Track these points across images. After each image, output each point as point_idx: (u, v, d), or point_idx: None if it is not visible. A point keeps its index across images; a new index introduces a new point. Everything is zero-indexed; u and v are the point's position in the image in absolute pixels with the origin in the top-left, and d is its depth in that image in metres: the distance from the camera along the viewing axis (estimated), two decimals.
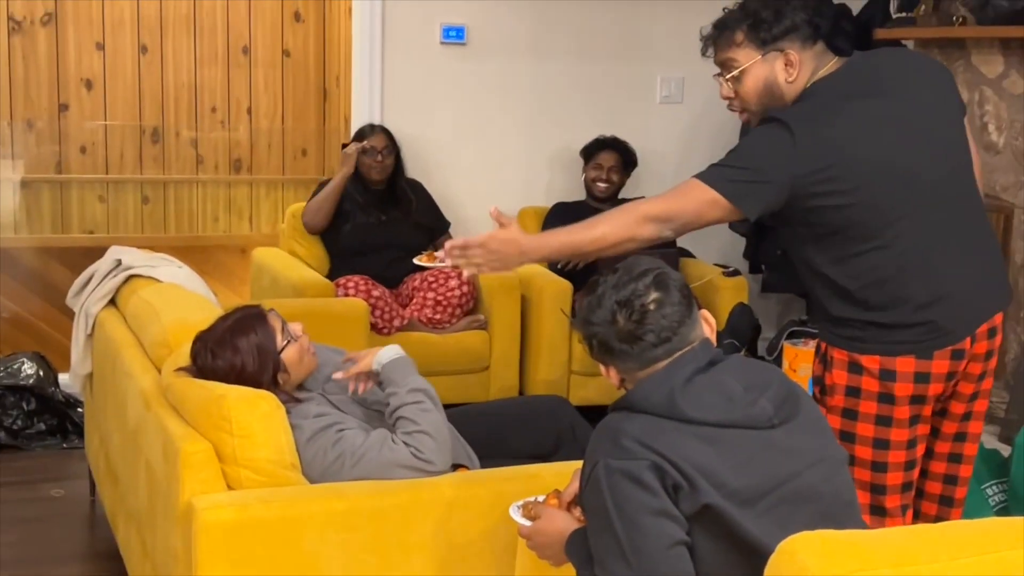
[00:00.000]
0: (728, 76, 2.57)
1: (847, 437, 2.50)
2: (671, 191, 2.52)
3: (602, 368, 2.07)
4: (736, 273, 4.95)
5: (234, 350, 2.63)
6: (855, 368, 2.48)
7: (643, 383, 1.98)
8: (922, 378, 2.46)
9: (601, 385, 4.54)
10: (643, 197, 5.09)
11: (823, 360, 2.57)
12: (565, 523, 2.12)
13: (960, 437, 2.62)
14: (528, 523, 2.17)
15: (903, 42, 4.92)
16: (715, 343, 2.07)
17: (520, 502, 2.24)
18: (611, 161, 4.99)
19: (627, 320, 1.97)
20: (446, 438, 2.62)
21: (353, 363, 2.73)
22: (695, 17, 5.38)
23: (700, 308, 2.06)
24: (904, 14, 4.76)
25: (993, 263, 2.61)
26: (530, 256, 2.50)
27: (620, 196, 5.08)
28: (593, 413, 3.48)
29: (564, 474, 2.34)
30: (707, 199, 2.42)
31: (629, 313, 1.97)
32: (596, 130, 5.14)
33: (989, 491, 3.57)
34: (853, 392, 2.49)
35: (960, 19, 4.41)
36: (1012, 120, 4.42)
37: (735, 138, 5.35)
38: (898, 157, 2.42)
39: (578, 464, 2.28)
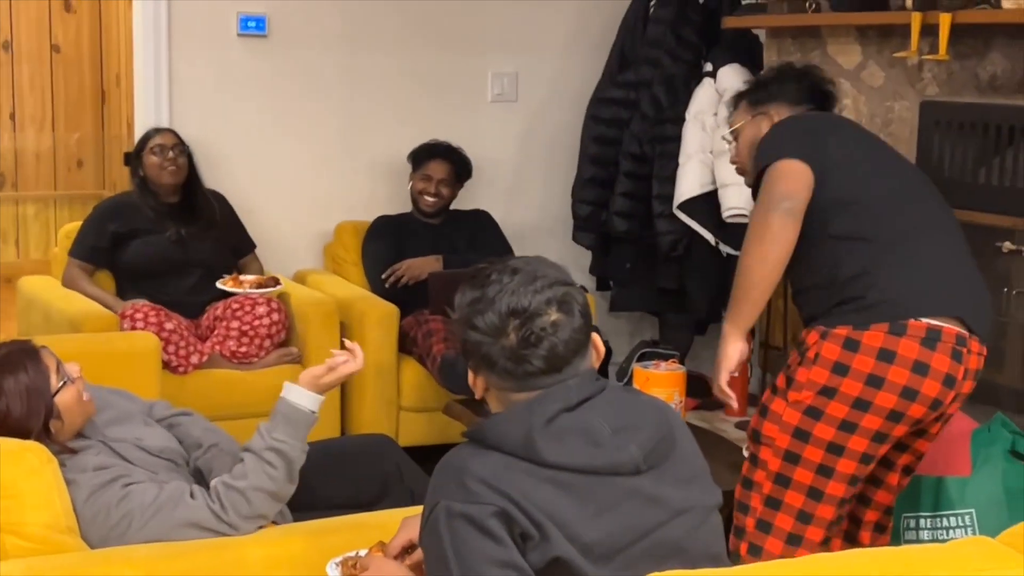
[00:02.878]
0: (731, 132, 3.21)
1: (800, 435, 2.81)
2: (764, 190, 2.89)
3: (471, 375, 2.05)
4: (583, 290, 4.99)
5: None
6: (851, 345, 2.78)
7: (501, 416, 1.98)
8: (920, 369, 2.76)
9: (435, 423, 4.54)
10: (478, 210, 5.18)
11: (802, 354, 2.87)
12: (397, 573, 2.11)
13: (907, 471, 3.08)
14: None
15: (753, 31, 5.06)
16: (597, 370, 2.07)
17: (339, 558, 2.23)
18: (442, 173, 4.98)
19: (518, 336, 1.94)
20: (266, 514, 2.58)
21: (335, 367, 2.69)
22: (530, 5, 5.50)
23: (594, 332, 2.06)
24: (754, 1, 4.88)
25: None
26: None
27: (452, 208, 5.08)
28: (424, 455, 3.48)
29: (391, 524, 2.33)
30: (797, 169, 2.85)
31: (522, 329, 1.94)
32: (420, 133, 5.13)
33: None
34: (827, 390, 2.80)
35: (813, 5, 4.54)
36: (872, 115, 4.56)
37: (575, 141, 5.44)
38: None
39: (408, 511, 2.28)
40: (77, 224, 4.73)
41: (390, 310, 4.63)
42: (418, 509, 2.21)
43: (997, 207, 4.00)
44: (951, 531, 3.41)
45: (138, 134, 4.88)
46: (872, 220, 2.90)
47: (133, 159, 4.68)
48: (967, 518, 3.40)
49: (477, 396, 2.08)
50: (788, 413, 2.86)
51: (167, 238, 4.58)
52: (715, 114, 5.01)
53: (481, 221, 5.14)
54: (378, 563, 2.15)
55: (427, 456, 3.31)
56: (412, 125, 5.20)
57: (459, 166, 5.05)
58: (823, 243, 2.88)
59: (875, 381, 2.77)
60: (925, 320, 2.79)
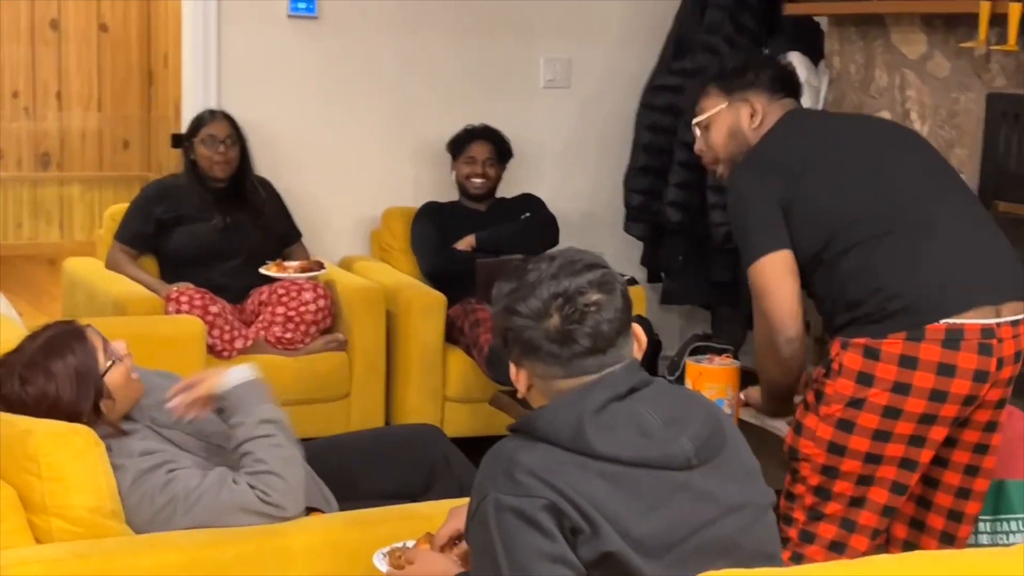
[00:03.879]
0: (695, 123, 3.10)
1: (836, 449, 2.79)
2: (757, 304, 2.89)
3: (513, 369, 2.06)
4: (632, 282, 4.99)
5: (47, 375, 2.59)
6: (871, 354, 2.74)
7: (550, 406, 1.98)
8: (946, 370, 2.71)
9: (481, 414, 4.55)
10: (527, 194, 5.18)
11: (827, 367, 2.82)
12: (443, 567, 2.13)
13: (971, 471, 2.94)
14: (396, 572, 2.17)
15: (814, 18, 5.04)
16: (641, 362, 2.08)
17: (386, 548, 2.24)
18: (485, 153, 5.00)
19: (562, 316, 1.96)
20: (299, 479, 2.60)
21: (190, 387, 2.67)
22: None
23: (635, 323, 2.07)
24: None
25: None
26: None
27: (498, 196, 5.09)
28: (470, 446, 3.48)
29: (438, 514, 2.34)
30: (779, 264, 2.83)
31: (565, 307, 1.95)
32: (471, 119, 5.15)
33: None
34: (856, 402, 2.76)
35: None
36: (936, 107, 4.54)
37: (629, 129, 5.43)
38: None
39: (456, 502, 2.29)
40: (122, 206, 4.78)
41: (437, 298, 4.65)
42: (466, 500, 2.23)
43: None
44: (1012, 535, 3.39)
45: (185, 115, 4.93)
46: (870, 233, 2.82)
47: (185, 142, 4.71)
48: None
49: (520, 393, 2.08)
50: (821, 428, 2.82)
51: (213, 226, 4.62)
52: None
53: (532, 204, 5.14)
54: (424, 556, 2.16)
55: (473, 448, 3.32)
56: (462, 111, 5.21)
57: (499, 145, 5.07)
58: (826, 266, 2.85)
59: (901, 388, 2.73)
60: (944, 321, 2.72)
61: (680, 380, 4.07)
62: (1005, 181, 4.21)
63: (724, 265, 5.22)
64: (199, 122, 4.69)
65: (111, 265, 4.64)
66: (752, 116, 3.02)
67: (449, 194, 5.12)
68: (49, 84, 6.57)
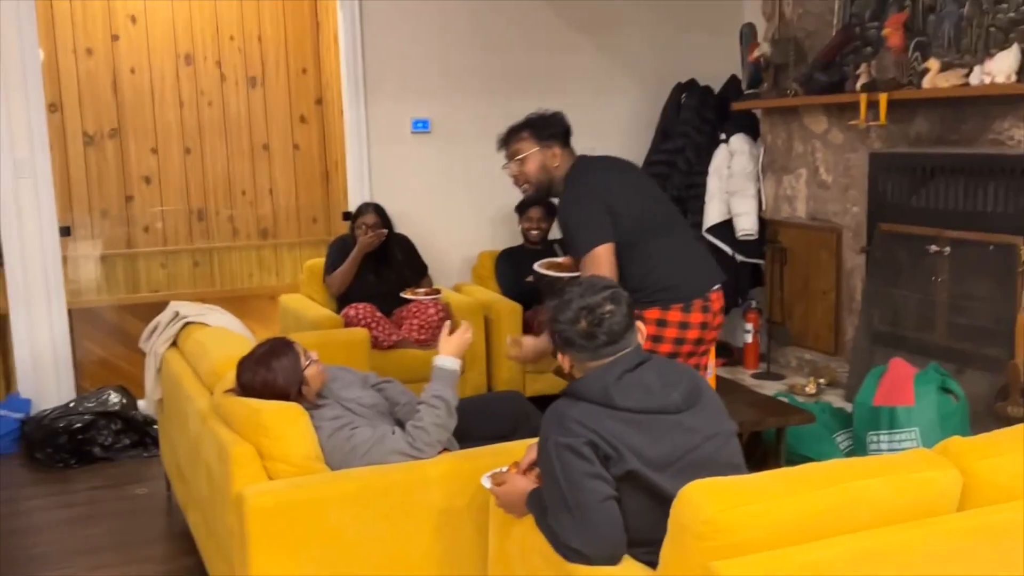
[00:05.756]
0: (515, 160, 3.09)
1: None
2: (588, 268, 2.86)
3: (560, 356, 2.07)
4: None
5: (268, 368, 2.62)
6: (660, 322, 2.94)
7: (585, 378, 1.98)
8: (686, 325, 2.94)
9: (548, 380, 4.55)
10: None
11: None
12: (525, 484, 2.12)
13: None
14: (495, 488, 2.17)
15: (753, 111, 5.00)
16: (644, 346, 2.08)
17: (490, 472, 2.24)
18: (538, 213, 4.99)
19: (588, 322, 1.98)
20: (440, 438, 2.58)
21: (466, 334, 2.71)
22: (600, 101, 5.49)
23: (637, 320, 2.09)
24: (752, 90, 4.82)
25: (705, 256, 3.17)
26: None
27: (549, 239, 5.09)
28: (544, 401, 3.48)
29: (521, 450, 2.35)
30: (608, 252, 2.86)
31: (590, 317, 1.98)
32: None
33: (838, 439, 3.62)
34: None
35: (793, 91, 4.47)
36: (836, 163, 4.48)
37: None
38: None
39: (531, 441, 2.28)
40: (317, 260, 4.78)
41: (516, 307, 4.63)
42: (536, 440, 2.23)
43: (924, 222, 3.91)
44: (903, 443, 3.33)
45: (351, 199, 4.96)
46: (651, 237, 2.95)
47: (351, 219, 4.72)
48: (913, 434, 3.32)
49: (565, 370, 2.09)
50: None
51: (368, 279, 4.61)
52: (728, 167, 4.95)
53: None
54: (512, 477, 2.16)
55: (545, 402, 3.32)
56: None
57: (548, 208, 5.05)
58: (632, 254, 2.91)
59: (674, 327, 2.91)
60: (696, 299, 2.93)
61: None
62: (884, 210, 4.16)
63: None
64: (358, 212, 4.68)
65: (329, 282, 4.64)
66: (554, 157, 3.05)
67: (517, 240, 5.12)
68: (264, 184, 6.66)
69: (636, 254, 2.91)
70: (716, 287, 3.02)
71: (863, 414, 3.44)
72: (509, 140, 3.15)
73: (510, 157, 3.14)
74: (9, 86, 4.38)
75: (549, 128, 3.10)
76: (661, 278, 2.93)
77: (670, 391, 1.96)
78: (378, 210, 4.69)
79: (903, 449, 3.10)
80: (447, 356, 2.67)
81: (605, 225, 2.88)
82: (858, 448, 3.47)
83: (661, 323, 2.94)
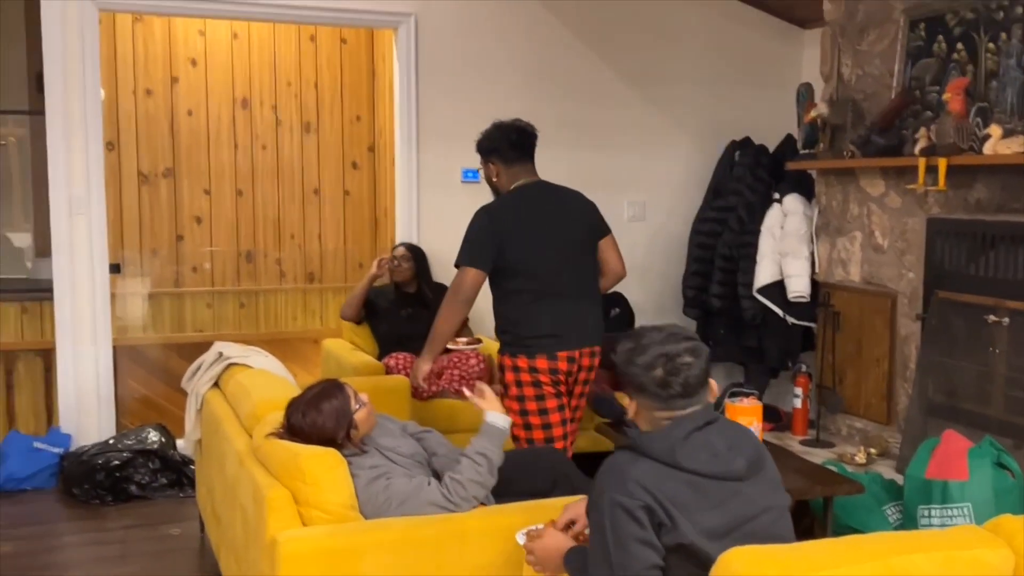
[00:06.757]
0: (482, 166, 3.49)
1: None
2: (454, 281, 3.30)
3: (628, 398, 2.03)
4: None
5: (318, 410, 2.63)
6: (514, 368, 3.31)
7: (652, 435, 1.94)
8: (554, 371, 3.29)
9: (589, 438, 4.51)
10: (617, 293, 5.17)
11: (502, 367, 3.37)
12: (562, 542, 2.10)
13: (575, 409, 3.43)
14: (530, 544, 2.16)
15: (808, 171, 4.99)
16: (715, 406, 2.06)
17: (525, 529, 2.24)
18: None
19: (664, 370, 1.93)
20: (476, 495, 2.58)
21: (483, 392, 2.77)
22: (655, 158, 5.54)
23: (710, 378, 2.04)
24: (808, 151, 4.82)
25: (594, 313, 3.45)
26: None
27: None
28: (584, 458, 3.46)
29: (559, 507, 2.33)
30: (475, 277, 3.25)
31: (668, 366, 1.93)
32: None
33: (888, 511, 3.55)
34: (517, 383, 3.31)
35: (850, 153, 4.47)
36: (892, 227, 4.45)
37: (683, 247, 5.41)
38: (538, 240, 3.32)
39: (569, 500, 2.27)
40: None
41: None
42: (574, 498, 2.22)
43: (983, 291, 3.86)
44: (954, 519, 3.26)
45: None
46: (532, 288, 3.29)
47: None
48: (965, 510, 3.25)
49: (630, 415, 2.03)
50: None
51: (401, 317, 4.67)
52: (781, 227, 4.94)
53: (619, 302, 5.14)
54: (550, 533, 2.15)
55: (584, 460, 3.30)
56: None
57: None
58: (506, 294, 3.32)
59: (546, 373, 3.29)
60: (561, 351, 3.29)
61: (722, 415, 4.01)
62: (941, 277, 4.11)
63: (751, 335, 5.15)
64: (394, 246, 4.76)
65: (342, 307, 4.77)
66: (494, 171, 3.42)
67: None
68: (313, 228, 6.72)
69: (504, 294, 3.30)
70: (581, 348, 3.32)
71: (914, 487, 3.37)
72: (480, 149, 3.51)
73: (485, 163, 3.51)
74: (71, 124, 4.55)
75: (487, 143, 3.45)
76: (527, 327, 3.27)
77: (735, 456, 1.92)
78: (412, 249, 4.75)
79: (954, 525, 3.03)
80: (499, 414, 2.66)
81: (486, 254, 3.24)
82: (908, 522, 3.40)
83: (532, 370, 3.30)
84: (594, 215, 3.50)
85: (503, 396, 3.34)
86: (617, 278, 3.56)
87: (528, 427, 3.35)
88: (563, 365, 3.30)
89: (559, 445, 3.35)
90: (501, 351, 3.35)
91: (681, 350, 1.95)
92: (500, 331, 3.37)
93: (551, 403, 3.33)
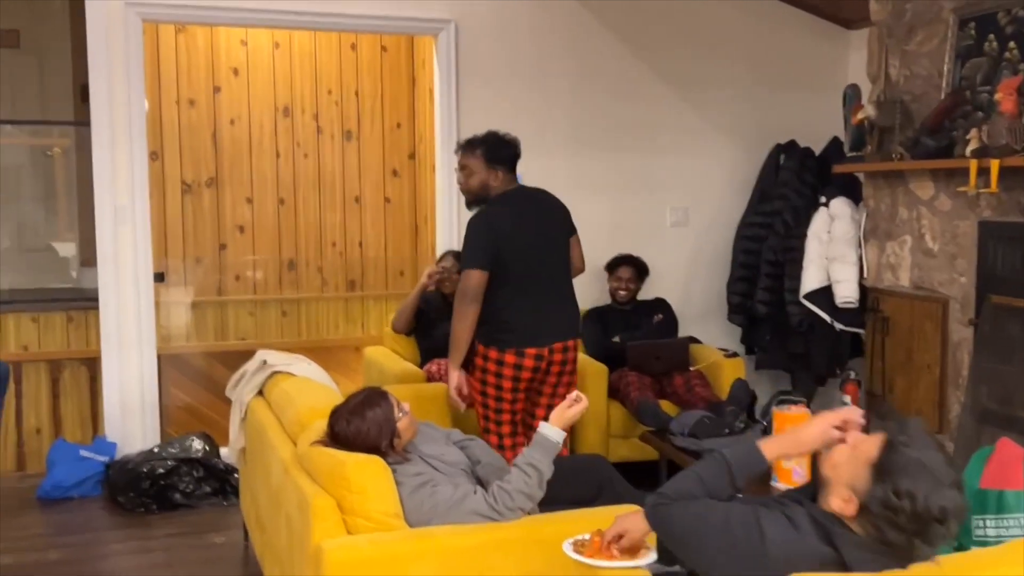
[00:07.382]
0: (464, 171, 3.61)
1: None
2: (461, 282, 3.49)
3: (847, 491, 1.80)
4: (735, 355, 4.91)
5: (362, 418, 2.65)
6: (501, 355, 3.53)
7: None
8: (519, 367, 3.51)
9: (633, 446, 4.51)
10: (659, 298, 5.16)
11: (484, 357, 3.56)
12: (638, 521, 2.07)
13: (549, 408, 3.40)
14: (578, 556, 2.14)
15: (855, 174, 4.94)
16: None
17: (571, 539, 2.22)
18: (628, 273, 5.00)
19: (947, 529, 1.75)
20: (523, 506, 2.56)
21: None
22: (698, 160, 5.52)
23: None
24: (855, 153, 4.77)
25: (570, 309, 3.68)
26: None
27: (638, 299, 5.08)
28: (628, 467, 3.46)
29: (605, 517, 2.31)
30: (480, 277, 3.44)
31: (951, 526, 1.76)
32: (620, 249, 5.16)
33: None
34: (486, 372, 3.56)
35: (899, 155, 4.42)
36: (943, 231, 4.39)
37: (729, 252, 5.38)
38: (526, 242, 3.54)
39: (618, 509, 2.26)
40: None
41: (601, 368, 4.63)
42: (625, 508, 2.21)
43: None
44: (1011, 530, 3.20)
45: (440, 254, 5.04)
46: (516, 284, 3.47)
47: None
48: (1022, 520, 3.19)
49: (848, 514, 1.80)
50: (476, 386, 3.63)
51: (444, 326, 4.68)
52: (828, 232, 4.90)
53: (662, 307, 5.13)
54: (621, 519, 2.11)
55: (627, 469, 3.29)
56: (619, 243, 5.22)
57: (639, 268, 5.04)
58: (487, 298, 3.46)
59: (510, 367, 3.52)
60: (530, 347, 3.51)
61: (769, 423, 3.98)
62: (994, 281, 4.04)
63: (798, 342, 5.10)
64: (440, 257, 4.78)
65: (393, 320, 4.81)
66: (496, 179, 3.55)
67: (605, 299, 5.11)
68: (354, 236, 6.76)
69: (490, 289, 3.43)
70: (552, 344, 3.52)
71: (968, 497, 3.32)
72: (465, 151, 3.60)
73: (461, 167, 3.61)
74: (115, 134, 4.63)
75: (501, 152, 3.55)
76: (506, 321, 3.44)
77: None
78: (458, 257, 4.75)
79: (1011, 536, 2.97)
80: (554, 427, 2.62)
81: (488, 255, 3.42)
82: (962, 533, 3.34)
83: (499, 363, 3.50)
84: (567, 216, 3.77)
85: (471, 374, 3.63)
86: (577, 273, 3.81)
87: (483, 407, 3.62)
88: (530, 363, 3.52)
89: (492, 440, 3.56)
90: (477, 338, 3.54)
91: (950, 511, 1.72)
92: (480, 322, 3.53)
93: (506, 398, 3.56)
